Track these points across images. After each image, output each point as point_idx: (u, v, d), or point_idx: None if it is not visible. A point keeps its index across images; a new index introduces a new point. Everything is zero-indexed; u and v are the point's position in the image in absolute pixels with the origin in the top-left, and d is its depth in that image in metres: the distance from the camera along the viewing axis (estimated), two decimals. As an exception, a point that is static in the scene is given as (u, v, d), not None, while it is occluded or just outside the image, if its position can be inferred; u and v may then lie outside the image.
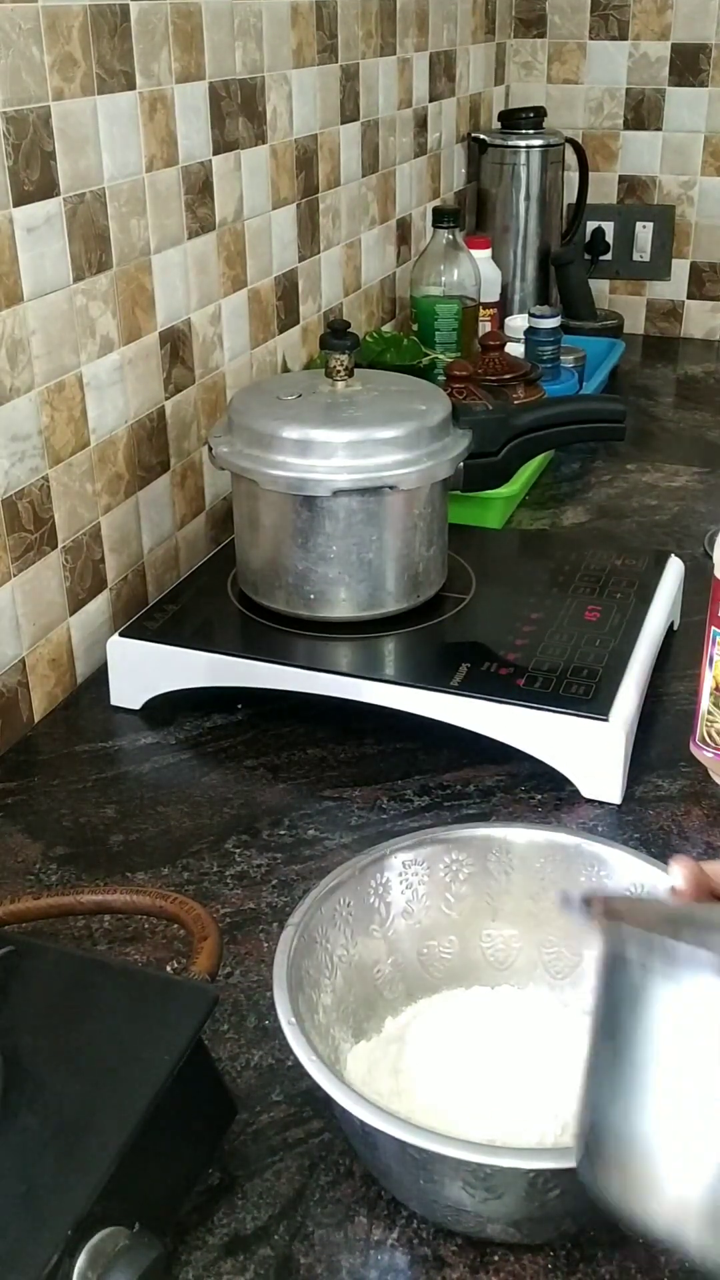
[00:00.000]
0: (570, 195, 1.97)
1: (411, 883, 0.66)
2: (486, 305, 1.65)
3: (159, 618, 0.97)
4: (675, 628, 1.05)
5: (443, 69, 1.74)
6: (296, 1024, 0.54)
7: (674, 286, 2.05)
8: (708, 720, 0.86)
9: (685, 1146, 0.41)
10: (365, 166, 1.50)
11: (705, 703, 0.86)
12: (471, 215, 1.93)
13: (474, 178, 1.92)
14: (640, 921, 0.45)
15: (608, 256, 2.05)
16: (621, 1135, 0.42)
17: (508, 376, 1.41)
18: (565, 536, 1.27)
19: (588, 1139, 0.44)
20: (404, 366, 1.39)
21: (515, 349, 1.54)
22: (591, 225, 2.03)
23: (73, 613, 1.00)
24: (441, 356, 1.49)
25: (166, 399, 1.10)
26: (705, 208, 1.98)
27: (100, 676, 0.99)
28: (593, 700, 0.86)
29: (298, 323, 1.36)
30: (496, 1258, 0.56)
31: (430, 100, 1.71)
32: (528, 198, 1.88)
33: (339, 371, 0.98)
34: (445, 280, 1.53)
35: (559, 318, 1.56)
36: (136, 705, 0.96)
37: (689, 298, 2.05)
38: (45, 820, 0.85)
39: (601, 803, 0.86)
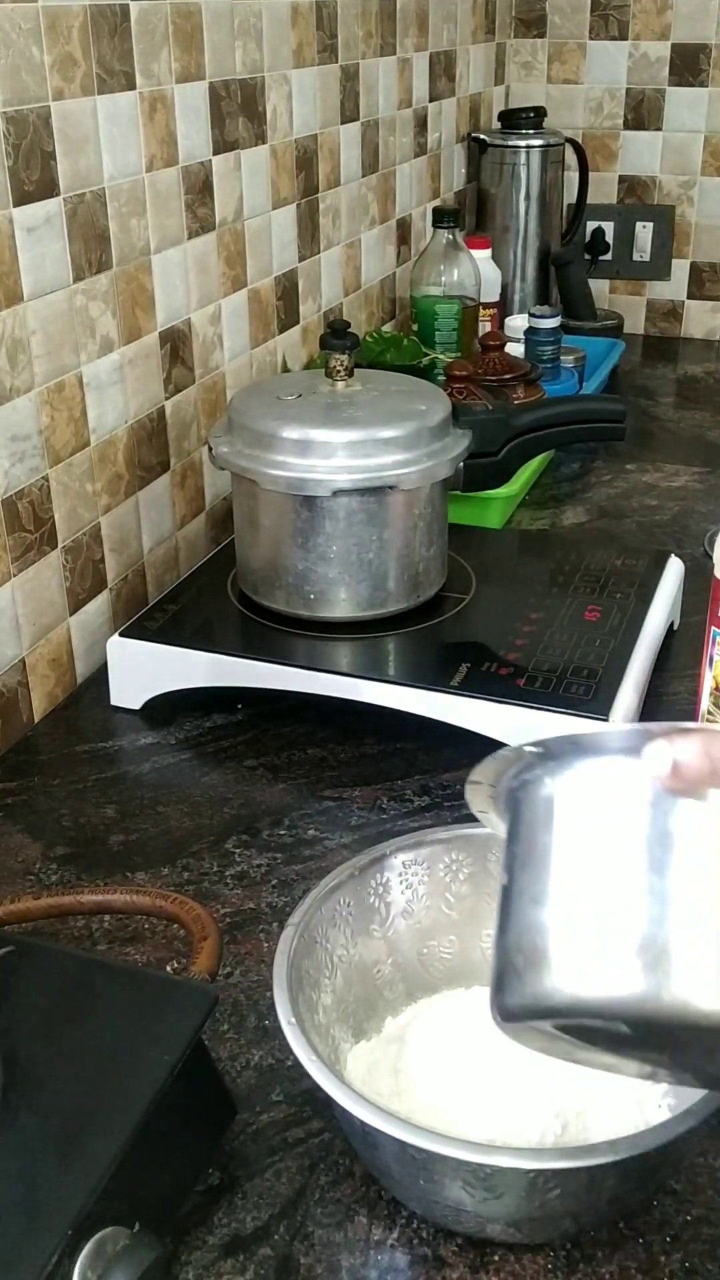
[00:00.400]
0: (570, 195, 1.97)
1: (411, 883, 0.66)
2: (486, 305, 1.65)
3: (159, 618, 0.97)
4: (675, 628, 1.05)
5: (443, 69, 1.74)
6: (296, 1024, 0.54)
7: (674, 286, 2.05)
8: (708, 720, 0.86)
9: (616, 910, 0.42)
10: (365, 166, 1.50)
11: (705, 703, 0.86)
12: (471, 215, 1.93)
13: (474, 178, 1.92)
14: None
15: (608, 256, 2.05)
16: (549, 927, 0.43)
17: (508, 376, 1.41)
18: (565, 536, 1.27)
19: (510, 958, 0.45)
20: (404, 366, 1.39)
21: (515, 349, 1.54)
22: (591, 225, 2.03)
23: (73, 613, 1.00)
24: (441, 356, 1.49)
25: (166, 399, 1.10)
26: (705, 208, 1.98)
27: (100, 676, 0.99)
28: (593, 700, 0.86)
29: (298, 323, 1.36)
30: (496, 1258, 0.56)
31: (430, 100, 1.71)
32: (528, 198, 1.88)
33: (339, 371, 0.98)
34: (445, 280, 1.53)
35: (559, 318, 1.56)
36: (136, 705, 0.96)
37: (689, 298, 2.05)
38: (45, 820, 0.85)
39: (601, 803, 0.85)
